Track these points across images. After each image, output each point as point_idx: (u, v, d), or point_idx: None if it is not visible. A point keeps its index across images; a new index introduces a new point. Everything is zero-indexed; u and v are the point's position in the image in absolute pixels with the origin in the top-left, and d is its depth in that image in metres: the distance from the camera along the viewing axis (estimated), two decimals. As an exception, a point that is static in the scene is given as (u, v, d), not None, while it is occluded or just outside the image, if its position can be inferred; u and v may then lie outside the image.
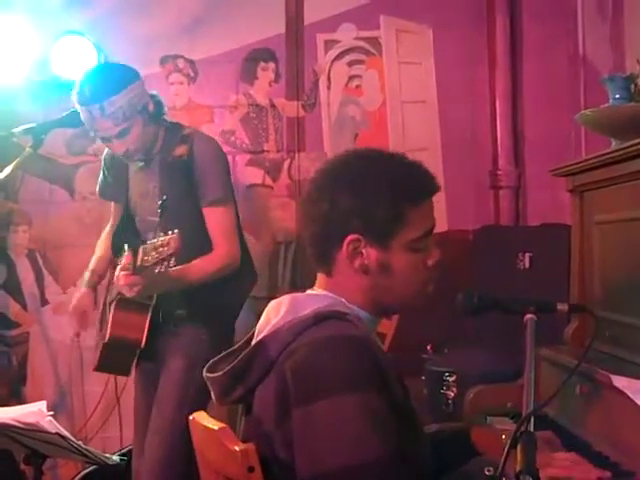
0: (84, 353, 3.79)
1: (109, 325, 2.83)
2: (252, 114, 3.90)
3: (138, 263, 2.58)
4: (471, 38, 3.86)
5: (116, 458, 2.63)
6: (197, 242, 2.79)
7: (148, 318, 2.80)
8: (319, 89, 3.89)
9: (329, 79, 3.90)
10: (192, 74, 3.88)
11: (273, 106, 3.90)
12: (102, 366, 2.92)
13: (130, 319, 2.82)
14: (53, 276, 3.86)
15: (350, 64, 3.90)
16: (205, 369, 1.72)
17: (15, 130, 2.79)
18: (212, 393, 1.70)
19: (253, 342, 1.67)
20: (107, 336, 2.82)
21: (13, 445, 2.43)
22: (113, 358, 2.88)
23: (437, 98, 3.88)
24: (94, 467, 3.24)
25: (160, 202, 2.71)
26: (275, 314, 1.66)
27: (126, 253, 2.64)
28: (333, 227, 1.65)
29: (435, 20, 3.86)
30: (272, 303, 1.72)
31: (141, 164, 2.91)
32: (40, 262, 3.86)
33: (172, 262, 2.52)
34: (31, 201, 3.87)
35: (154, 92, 2.90)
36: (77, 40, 3.66)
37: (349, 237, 1.63)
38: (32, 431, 2.29)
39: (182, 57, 3.86)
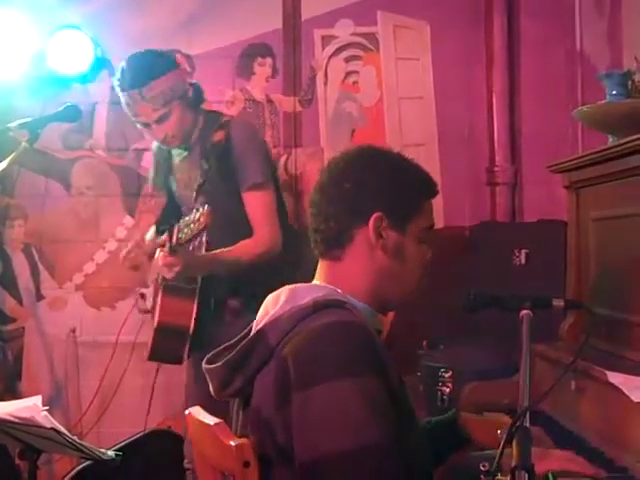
0: (80, 348, 3.80)
1: (157, 312, 2.85)
2: (249, 109, 3.89)
3: (174, 242, 2.60)
4: (469, 34, 3.85)
5: (111, 453, 2.62)
6: (238, 228, 2.81)
7: (195, 303, 2.81)
8: (316, 85, 3.89)
9: (326, 75, 3.89)
10: (189, 69, 3.87)
11: (270, 101, 3.90)
12: (155, 354, 2.91)
13: (177, 305, 2.83)
14: (49, 271, 3.86)
15: (347, 60, 3.90)
16: (204, 361, 1.73)
17: (11, 125, 2.77)
18: (210, 386, 1.71)
19: (252, 332, 1.67)
20: (155, 323, 2.84)
21: (8, 440, 2.42)
22: (164, 346, 2.87)
23: (434, 94, 3.88)
24: (89, 462, 3.24)
25: (196, 186, 2.77)
26: (274, 305, 1.68)
27: (164, 235, 2.67)
28: (360, 205, 1.70)
29: (433, 16, 3.85)
30: (270, 296, 1.73)
31: (184, 154, 2.94)
32: (36, 257, 3.86)
33: (204, 237, 2.56)
34: (27, 196, 3.86)
35: (194, 81, 2.95)
36: (74, 35, 3.66)
37: (376, 214, 1.68)
38: (27, 426, 2.28)
39: (179, 52, 3.85)
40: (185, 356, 2.87)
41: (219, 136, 2.84)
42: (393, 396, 1.55)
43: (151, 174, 3.17)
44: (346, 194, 1.70)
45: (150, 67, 2.80)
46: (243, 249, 2.80)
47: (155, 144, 3.06)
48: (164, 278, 2.78)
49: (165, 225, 2.79)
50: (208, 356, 1.73)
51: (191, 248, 2.64)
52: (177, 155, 2.99)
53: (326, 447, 1.46)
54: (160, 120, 2.81)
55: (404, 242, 1.71)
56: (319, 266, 1.76)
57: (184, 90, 2.84)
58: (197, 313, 2.81)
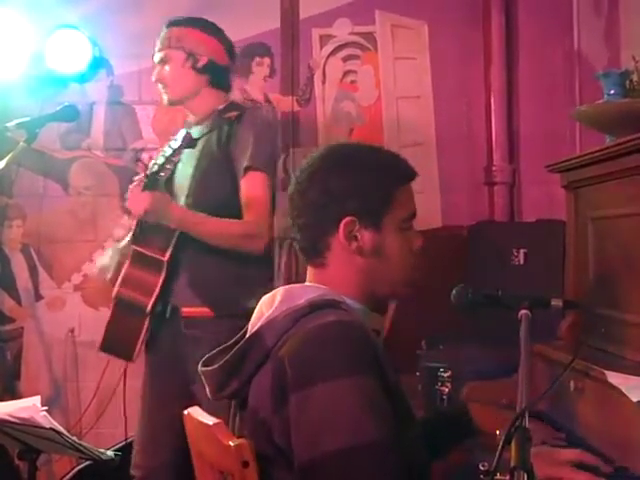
0: (79, 348, 3.80)
1: (119, 281, 2.81)
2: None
3: (148, 174, 2.61)
4: (466, 34, 3.85)
5: (110, 453, 2.62)
6: (230, 215, 2.73)
7: (160, 279, 2.74)
8: (314, 84, 3.89)
9: (324, 74, 3.89)
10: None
11: (268, 101, 3.89)
12: (106, 344, 2.84)
13: (141, 277, 2.77)
14: (47, 271, 3.86)
15: (345, 59, 3.90)
16: (200, 364, 1.73)
17: (9, 124, 2.77)
18: (207, 388, 1.71)
19: (248, 334, 1.67)
20: (114, 293, 2.80)
21: (7, 440, 2.43)
22: (118, 331, 2.80)
23: (432, 94, 3.88)
24: (88, 462, 3.25)
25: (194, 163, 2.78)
26: (269, 306, 1.68)
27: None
28: (327, 212, 1.67)
29: (431, 16, 3.85)
30: (265, 297, 1.73)
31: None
32: (34, 257, 3.86)
33: (175, 157, 2.57)
34: (25, 195, 3.86)
35: (223, 64, 2.93)
36: (72, 34, 3.65)
37: (345, 219, 1.66)
38: (26, 426, 2.28)
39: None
40: (136, 352, 2.78)
41: (231, 114, 2.82)
42: (390, 395, 1.55)
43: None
44: (312, 204, 1.69)
45: (190, 20, 2.92)
46: (227, 224, 2.72)
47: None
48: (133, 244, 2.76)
49: None
50: (204, 359, 1.73)
51: (162, 174, 2.61)
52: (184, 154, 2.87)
53: (325, 447, 1.46)
54: (159, 61, 2.89)
55: (382, 239, 1.69)
56: (308, 271, 1.76)
57: (195, 54, 2.86)
58: (160, 289, 2.74)
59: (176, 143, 2.62)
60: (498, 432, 1.72)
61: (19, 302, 3.86)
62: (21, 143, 2.76)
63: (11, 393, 3.73)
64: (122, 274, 2.81)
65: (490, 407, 2.00)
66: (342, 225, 1.66)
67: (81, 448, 2.41)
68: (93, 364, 3.66)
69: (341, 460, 1.45)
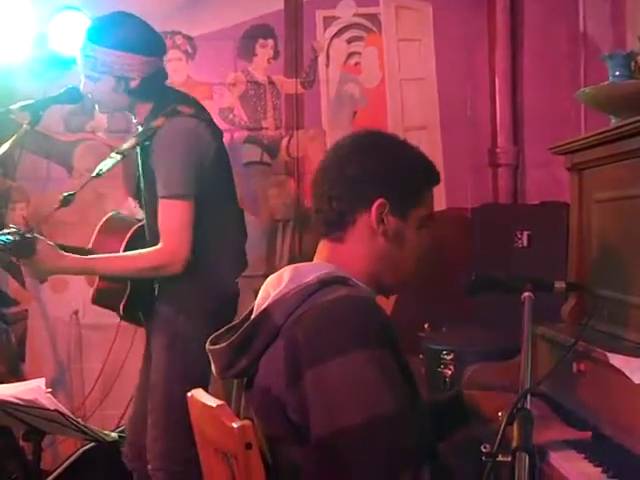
0: (83, 330, 3.81)
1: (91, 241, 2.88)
2: (250, 91, 3.88)
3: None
4: (471, 15, 3.83)
5: (115, 435, 2.64)
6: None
7: (128, 287, 2.76)
8: (318, 66, 3.88)
9: (328, 56, 3.88)
10: (190, 51, 3.86)
11: (272, 83, 3.88)
12: (99, 296, 2.88)
13: (111, 240, 2.82)
14: (52, 253, 3.86)
15: (349, 41, 3.88)
16: (208, 342, 1.73)
17: (12, 107, 2.77)
18: (213, 366, 1.71)
19: (255, 314, 1.68)
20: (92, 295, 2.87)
21: (12, 421, 2.44)
22: (106, 291, 2.84)
23: (436, 76, 3.86)
24: (93, 444, 3.26)
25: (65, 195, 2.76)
26: (276, 285, 1.68)
27: None
28: (364, 190, 1.71)
29: (435, -3, 3.83)
30: (271, 277, 1.74)
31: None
32: (38, 239, 3.86)
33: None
34: (29, 178, 3.86)
35: (164, 62, 2.85)
36: (75, 16, 3.63)
37: (379, 200, 1.70)
38: (31, 408, 2.29)
39: (180, 33, 3.84)
40: (122, 304, 2.80)
41: (152, 125, 2.73)
42: (402, 370, 1.58)
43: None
44: (350, 178, 1.72)
45: (113, 36, 2.70)
46: (134, 258, 2.70)
47: None
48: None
49: None
50: (211, 337, 1.74)
51: (28, 235, 2.53)
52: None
53: (343, 420, 1.48)
54: (87, 77, 2.75)
55: (404, 228, 1.74)
56: (319, 246, 1.78)
57: (126, 77, 2.71)
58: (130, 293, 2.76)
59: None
60: (500, 414, 1.73)
61: (23, 285, 3.87)
62: (25, 126, 2.76)
63: (16, 375, 3.74)
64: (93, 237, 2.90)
65: (489, 393, 2.01)
66: (375, 205, 1.70)
67: (85, 430, 2.42)
68: (97, 346, 3.68)
69: (360, 433, 1.47)
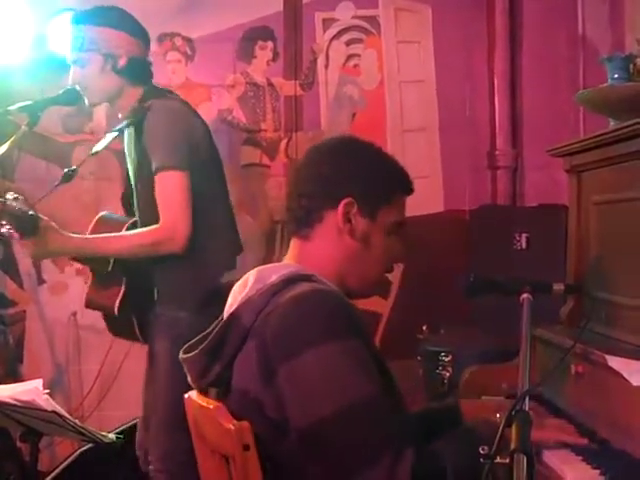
0: (81, 331, 3.80)
1: (86, 291, 2.90)
2: (250, 93, 3.88)
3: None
4: (470, 17, 3.84)
5: (112, 436, 2.62)
6: (156, 216, 2.70)
7: (122, 287, 2.77)
8: (317, 68, 3.88)
9: (327, 58, 3.88)
10: (189, 52, 3.85)
11: (271, 85, 3.88)
12: (111, 331, 2.95)
13: (103, 287, 2.82)
14: (50, 255, 3.85)
15: (348, 43, 3.88)
16: (181, 352, 1.74)
17: (11, 108, 2.77)
18: (188, 375, 1.72)
19: (224, 319, 1.69)
20: (85, 300, 2.88)
21: (9, 423, 2.43)
22: (113, 323, 2.89)
23: (435, 78, 3.86)
24: (90, 445, 3.26)
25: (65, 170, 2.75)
26: (242, 289, 1.70)
27: None
28: (332, 187, 1.73)
29: (434, -1, 3.84)
30: (237, 283, 1.77)
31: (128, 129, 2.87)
32: (37, 241, 3.85)
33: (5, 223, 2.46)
34: (27, 179, 3.85)
35: (148, 59, 2.87)
36: (73, 17, 3.63)
37: (346, 199, 1.72)
38: (28, 409, 2.29)
39: (179, 35, 3.84)
40: (137, 334, 2.83)
41: (143, 105, 2.74)
42: (375, 360, 1.59)
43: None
44: (321, 175, 1.74)
45: (99, 16, 2.78)
46: (134, 237, 2.70)
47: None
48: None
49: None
50: (185, 347, 1.75)
51: (31, 212, 2.53)
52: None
53: (321, 411, 1.50)
54: (75, 62, 2.78)
55: (373, 230, 1.75)
56: (290, 245, 1.80)
57: (113, 54, 2.75)
58: (124, 295, 2.78)
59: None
60: (498, 415, 1.73)
61: (21, 286, 3.86)
62: (23, 127, 2.75)
63: (13, 376, 3.73)
64: (87, 286, 2.90)
65: (485, 404, 2.01)
66: (342, 204, 1.72)
67: (83, 431, 2.42)
68: (95, 347, 3.67)
69: (339, 421, 1.49)
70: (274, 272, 1.68)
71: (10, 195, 2.52)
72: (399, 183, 1.81)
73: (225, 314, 1.72)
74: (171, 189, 2.67)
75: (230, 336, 1.63)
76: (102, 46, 2.75)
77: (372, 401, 1.50)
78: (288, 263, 1.76)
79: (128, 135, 2.86)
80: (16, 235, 2.53)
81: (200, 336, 1.75)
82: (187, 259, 2.70)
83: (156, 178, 2.68)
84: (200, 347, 1.68)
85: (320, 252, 1.74)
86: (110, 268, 2.77)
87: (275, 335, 1.56)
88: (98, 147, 2.85)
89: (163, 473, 2.75)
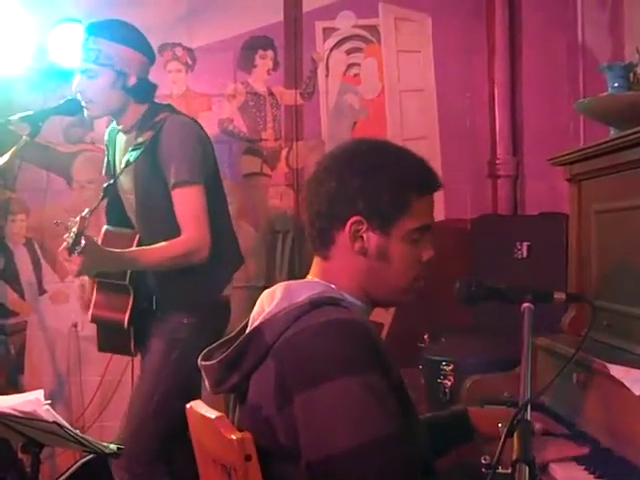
0: (82, 342, 3.80)
1: (91, 306, 2.90)
2: (250, 102, 3.89)
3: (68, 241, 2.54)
4: (470, 26, 3.84)
5: (114, 447, 2.62)
6: (168, 229, 2.75)
7: (130, 299, 2.80)
8: (317, 77, 3.88)
9: (327, 67, 3.89)
10: (190, 62, 3.86)
11: (271, 94, 3.89)
12: (103, 346, 2.99)
13: (111, 300, 2.84)
14: (51, 265, 3.86)
15: (349, 52, 3.89)
16: (200, 357, 1.73)
17: (12, 118, 2.77)
18: (206, 381, 1.71)
19: (248, 330, 1.67)
20: (89, 316, 2.90)
21: (10, 434, 2.42)
22: (109, 338, 2.92)
23: (436, 87, 3.87)
24: (92, 456, 3.25)
25: (105, 185, 2.78)
26: (269, 302, 1.68)
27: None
28: (338, 207, 1.67)
29: (434, 8, 3.84)
30: (266, 292, 1.73)
31: (124, 137, 2.89)
32: (38, 251, 3.86)
33: (82, 241, 2.46)
34: (28, 190, 3.86)
35: (153, 81, 2.89)
36: (74, 28, 3.64)
37: (353, 218, 1.65)
38: (29, 420, 2.28)
39: (180, 45, 3.85)
40: (133, 347, 2.88)
41: (146, 136, 2.76)
42: (395, 391, 1.56)
43: (104, 164, 3.08)
44: (328, 194, 1.68)
45: (117, 31, 2.78)
46: (164, 249, 2.73)
47: (107, 131, 3.05)
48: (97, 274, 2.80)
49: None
50: (204, 352, 1.74)
51: (99, 250, 2.59)
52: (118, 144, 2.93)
53: (335, 446, 1.47)
54: (84, 72, 2.77)
55: (388, 244, 1.68)
56: (314, 261, 1.76)
57: (125, 73, 2.77)
58: (132, 308, 2.81)
59: (75, 228, 2.50)
60: (500, 425, 1.72)
61: (23, 296, 3.87)
62: (24, 137, 2.76)
63: (14, 387, 3.73)
64: (93, 301, 2.90)
65: (490, 412, 2.00)
66: (349, 224, 1.66)
67: (84, 441, 2.41)
68: (96, 358, 3.66)
69: (352, 458, 1.46)
70: (302, 291, 1.64)
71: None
72: (414, 187, 1.69)
73: (250, 323, 1.70)
74: (194, 203, 2.73)
75: (250, 351, 1.61)
76: (116, 62, 2.76)
77: (387, 442, 1.47)
78: (316, 281, 1.71)
79: (125, 142, 2.87)
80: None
81: (221, 341, 1.74)
82: (190, 270, 2.73)
83: (175, 192, 2.73)
84: (220, 357, 1.66)
85: (340, 271, 1.69)
86: (127, 281, 2.80)
87: (295, 364, 1.54)
88: (130, 158, 2.80)
89: (123, 470, 2.80)
